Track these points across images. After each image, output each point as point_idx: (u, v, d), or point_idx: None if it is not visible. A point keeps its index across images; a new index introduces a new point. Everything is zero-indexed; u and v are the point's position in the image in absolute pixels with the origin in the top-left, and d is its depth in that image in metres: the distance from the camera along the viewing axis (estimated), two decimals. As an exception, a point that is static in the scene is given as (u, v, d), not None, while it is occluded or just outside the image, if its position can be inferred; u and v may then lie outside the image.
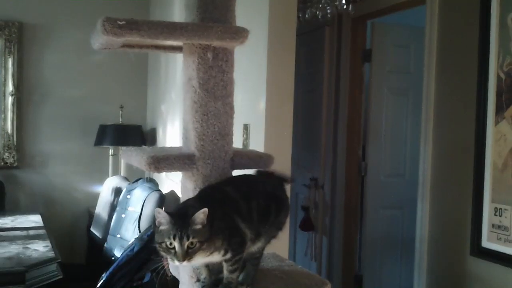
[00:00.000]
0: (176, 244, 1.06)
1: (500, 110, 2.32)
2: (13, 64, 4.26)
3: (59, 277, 2.71)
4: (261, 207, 1.22)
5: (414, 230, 2.92)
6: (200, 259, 1.10)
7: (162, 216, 1.08)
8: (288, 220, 1.34)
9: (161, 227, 1.08)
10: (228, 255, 1.14)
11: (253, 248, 1.24)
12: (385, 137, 3.82)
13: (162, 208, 3.40)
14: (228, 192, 1.20)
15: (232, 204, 1.17)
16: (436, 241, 2.76)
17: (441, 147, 2.74)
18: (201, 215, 1.06)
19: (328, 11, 3.30)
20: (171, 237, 1.06)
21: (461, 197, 2.55)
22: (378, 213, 3.82)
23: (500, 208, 2.31)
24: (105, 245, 3.54)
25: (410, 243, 3.14)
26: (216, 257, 1.13)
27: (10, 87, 4.26)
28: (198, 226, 1.06)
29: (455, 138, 2.65)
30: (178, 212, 1.10)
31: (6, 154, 4.29)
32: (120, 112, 4.41)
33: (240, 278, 1.22)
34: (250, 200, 1.21)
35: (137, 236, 2.96)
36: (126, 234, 3.34)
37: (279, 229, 1.29)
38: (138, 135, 4.39)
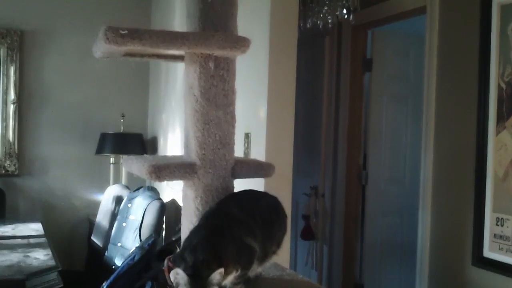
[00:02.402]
0: None
1: (501, 119, 2.32)
2: (15, 72, 4.26)
3: (59, 286, 2.70)
4: (265, 218, 1.25)
5: (414, 238, 2.92)
6: None
7: (180, 277, 1.09)
8: (288, 231, 1.35)
9: None
10: (238, 272, 1.16)
11: (260, 268, 1.26)
12: (385, 144, 3.82)
13: (163, 217, 3.34)
14: (234, 214, 1.21)
15: (239, 225, 1.19)
16: (437, 250, 2.75)
17: (441, 155, 2.74)
18: (217, 276, 1.08)
19: (329, 20, 3.30)
20: None
21: (462, 206, 2.55)
22: (378, 221, 3.81)
23: (502, 218, 2.30)
24: (106, 253, 3.53)
25: (410, 251, 3.12)
26: (228, 280, 1.15)
27: (12, 95, 4.26)
28: None
29: (455, 146, 2.65)
30: (195, 272, 1.10)
31: (8, 162, 4.28)
32: (121, 120, 4.41)
33: (242, 288, 1.23)
34: (255, 215, 1.23)
35: (137, 244, 2.95)
36: (127, 243, 3.33)
37: (277, 245, 1.30)
38: (139, 143, 4.38)
